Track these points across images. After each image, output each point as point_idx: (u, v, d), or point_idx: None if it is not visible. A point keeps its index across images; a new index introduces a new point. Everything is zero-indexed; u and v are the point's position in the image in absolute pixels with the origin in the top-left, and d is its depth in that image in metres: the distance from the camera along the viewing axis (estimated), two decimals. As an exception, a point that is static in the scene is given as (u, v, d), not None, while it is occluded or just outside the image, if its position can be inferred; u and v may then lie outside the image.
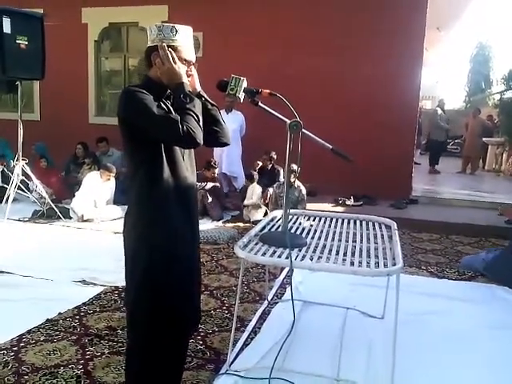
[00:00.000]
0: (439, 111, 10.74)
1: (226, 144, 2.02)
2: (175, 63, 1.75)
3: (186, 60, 1.81)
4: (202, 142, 1.73)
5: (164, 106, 1.75)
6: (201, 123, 1.73)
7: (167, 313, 1.83)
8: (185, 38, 1.81)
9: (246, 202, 5.99)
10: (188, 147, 1.85)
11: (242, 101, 1.94)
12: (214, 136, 1.90)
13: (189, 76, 1.83)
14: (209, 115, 1.88)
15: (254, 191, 6.01)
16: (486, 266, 3.95)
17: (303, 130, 2.01)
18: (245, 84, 1.90)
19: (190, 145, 1.76)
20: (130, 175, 1.85)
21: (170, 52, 1.75)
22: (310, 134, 2.07)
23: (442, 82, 25.85)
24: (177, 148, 1.83)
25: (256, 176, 6.16)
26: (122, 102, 1.75)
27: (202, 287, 2.74)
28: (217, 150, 6.69)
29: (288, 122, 1.99)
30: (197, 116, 1.72)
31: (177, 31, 1.78)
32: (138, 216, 1.82)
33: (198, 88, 1.89)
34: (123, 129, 1.78)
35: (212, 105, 1.91)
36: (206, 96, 1.87)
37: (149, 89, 1.74)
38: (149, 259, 1.78)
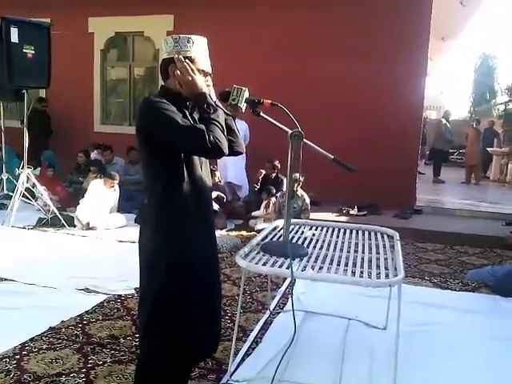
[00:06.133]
0: (444, 121, 10.81)
1: (240, 153, 2.02)
2: (195, 74, 1.75)
3: (203, 71, 1.81)
4: (227, 152, 1.73)
5: (188, 117, 1.76)
6: (225, 133, 1.73)
7: (183, 332, 1.78)
8: (200, 49, 1.81)
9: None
10: (214, 157, 1.85)
11: (243, 111, 1.94)
12: (229, 145, 1.85)
13: (207, 86, 1.83)
14: (225, 125, 1.87)
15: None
16: (497, 283, 3.85)
17: (305, 140, 2.01)
18: (247, 94, 1.90)
19: (217, 155, 1.75)
20: (148, 185, 1.81)
21: (188, 63, 1.75)
22: (312, 145, 2.06)
23: (446, 92, 25.84)
24: (195, 158, 1.81)
25: (273, 190, 6.03)
26: (143, 112, 1.74)
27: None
28: (221, 160, 6.69)
29: (289, 132, 1.98)
30: (221, 126, 1.72)
31: (193, 42, 1.78)
32: (156, 227, 1.77)
33: (214, 98, 1.88)
34: (143, 139, 1.75)
35: (227, 114, 1.90)
36: (221, 106, 1.86)
37: (168, 99, 1.72)
38: (166, 275, 1.74)
